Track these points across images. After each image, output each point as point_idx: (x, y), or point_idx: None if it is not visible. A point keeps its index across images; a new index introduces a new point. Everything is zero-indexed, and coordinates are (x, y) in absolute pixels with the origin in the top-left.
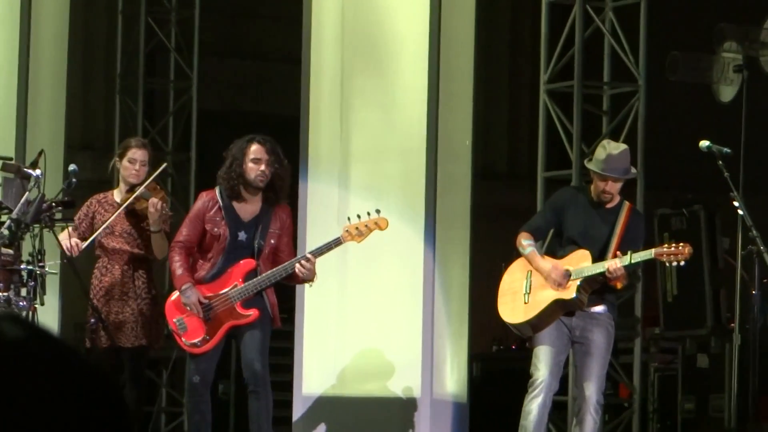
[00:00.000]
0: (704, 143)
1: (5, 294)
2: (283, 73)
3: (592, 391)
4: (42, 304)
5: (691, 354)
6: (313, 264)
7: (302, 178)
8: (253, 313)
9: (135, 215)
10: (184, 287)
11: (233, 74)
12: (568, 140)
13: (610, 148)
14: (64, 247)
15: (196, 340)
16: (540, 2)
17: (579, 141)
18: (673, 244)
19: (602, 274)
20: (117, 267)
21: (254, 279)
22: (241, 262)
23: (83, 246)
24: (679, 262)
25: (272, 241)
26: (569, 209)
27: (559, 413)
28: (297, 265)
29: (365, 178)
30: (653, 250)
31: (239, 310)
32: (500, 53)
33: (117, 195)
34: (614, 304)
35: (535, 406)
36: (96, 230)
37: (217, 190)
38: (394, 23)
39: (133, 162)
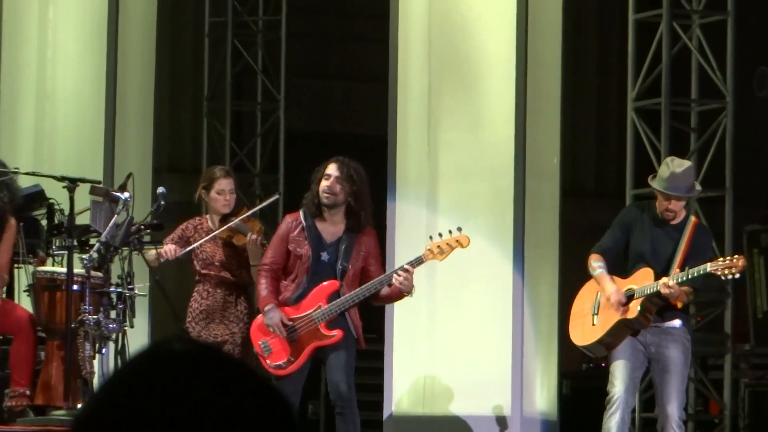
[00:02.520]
0: None
1: (95, 317)
2: (371, 93)
3: (674, 408)
4: (132, 326)
5: None
6: (412, 274)
7: (390, 198)
8: (337, 333)
9: (231, 245)
10: (267, 308)
11: (320, 95)
12: (656, 157)
13: (673, 166)
14: (162, 251)
15: (280, 362)
16: (627, 20)
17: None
18: (728, 258)
19: (658, 293)
20: (219, 292)
21: (338, 299)
22: (325, 283)
23: (180, 254)
24: (733, 275)
25: (357, 263)
26: (636, 226)
27: (651, 429)
28: (395, 275)
29: (453, 197)
30: (708, 265)
31: (323, 330)
32: (587, 71)
33: (210, 223)
34: (690, 318)
35: (614, 423)
36: (192, 252)
37: (301, 212)
38: (481, 43)
39: (221, 193)
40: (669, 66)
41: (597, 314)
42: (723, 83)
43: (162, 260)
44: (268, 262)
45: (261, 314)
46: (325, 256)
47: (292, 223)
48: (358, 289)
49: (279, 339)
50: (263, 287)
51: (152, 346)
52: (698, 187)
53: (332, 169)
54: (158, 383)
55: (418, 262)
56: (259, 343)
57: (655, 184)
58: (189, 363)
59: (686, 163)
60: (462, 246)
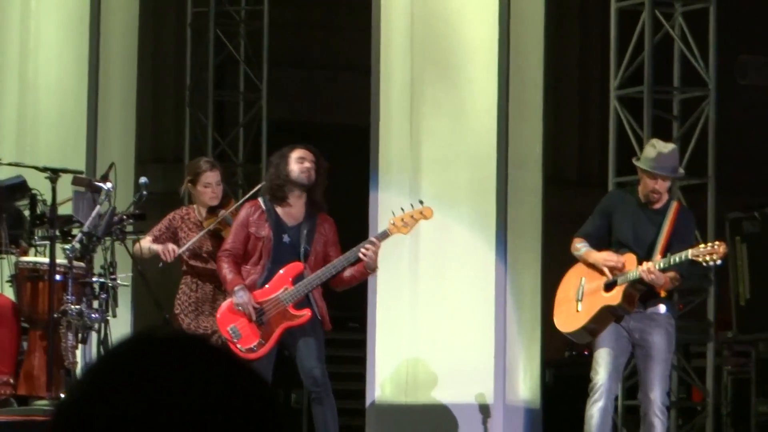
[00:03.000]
0: None
1: (77, 307)
2: (353, 82)
3: (656, 394)
4: (114, 316)
5: (765, 357)
6: (378, 248)
7: (373, 188)
8: (306, 313)
9: (219, 236)
10: (236, 288)
11: (303, 85)
12: (638, 145)
13: (659, 147)
14: (160, 251)
15: (252, 345)
16: (609, 8)
17: None
18: (709, 244)
19: (641, 279)
20: (208, 284)
21: (304, 279)
22: (289, 265)
23: (179, 251)
24: (714, 261)
25: (319, 247)
26: (617, 211)
27: (633, 416)
28: (362, 249)
29: (436, 186)
30: (690, 251)
31: (292, 311)
32: (570, 60)
33: (198, 214)
34: (674, 303)
35: (596, 410)
36: (181, 245)
37: (260, 199)
38: (464, 31)
39: (208, 186)
40: (651, 54)
41: (581, 300)
42: (705, 71)
43: (163, 260)
44: (229, 248)
45: (226, 300)
46: (286, 238)
47: (250, 208)
48: (323, 268)
49: (247, 323)
50: (227, 271)
51: (136, 335)
52: (681, 171)
53: (304, 153)
54: (141, 371)
55: (384, 236)
56: (228, 329)
57: (641, 164)
58: (172, 351)
59: (671, 145)
60: (425, 218)
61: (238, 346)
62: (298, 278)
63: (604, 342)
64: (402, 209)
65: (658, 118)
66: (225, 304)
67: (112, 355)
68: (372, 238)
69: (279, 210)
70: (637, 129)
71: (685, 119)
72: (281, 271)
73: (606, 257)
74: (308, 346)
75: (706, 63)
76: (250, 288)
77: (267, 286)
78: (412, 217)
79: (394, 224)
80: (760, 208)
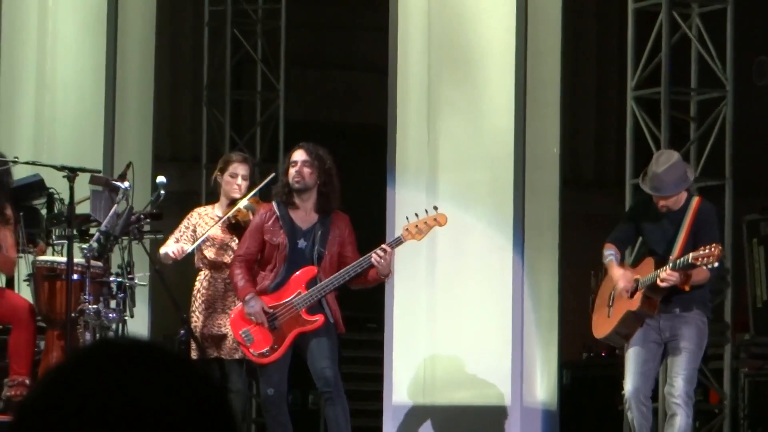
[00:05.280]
0: None
1: (95, 306)
2: (371, 82)
3: (681, 383)
4: (132, 316)
5: None
6: (390, 255)
7: (390, 187)
8: (318, 318)
9: (237, 228)
10: (247, 297)
11: (320, 84)
12: (655, 146)
13: (656, 166)
14: (170, 252)
15: (264, 350)
16: (626, 9)
17: (667, 147)
18: (707, 247)
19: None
20: (220, 280)
21: (318, 284)
22: (302, 270)
23: (188, 250)
24: (712, 264)
25: (333, 248)
26: (643, 217)
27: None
28: (374, 254)
29: (453, 186)
30: (691, 255)
31: (305, 316)
32: (587, 60)
33: (218, 209)
34: (705, 303)
35: (631, 418)
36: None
37: (274, 203)
38: (481, 31)
39: (234, 176)
40: (668, 55)
41: (611, 306)
42: (723, 72)
43: (173, 258)
44: (242, 253)
45: (240, 304)
46: (302, 243)
47: (265, 214)
48: (336, 274)
49: (260, 327)
50: (239, 278)
51: (96, 341)
52: (690, 177)
53: (298, 155)
54: (96, 376)
55: (397, 242)
56: (240, 333)
57: (644, 185)
58: (128, 357)
59: (672, 158)
60: (440, 224)
61: (251, 350)
62: (311, 282)
63: (632, 345)
64: (416, 215)
65: (676, 119)
66: (237, 309)
67: (70, 360)
68: (384, 246)
69: (292, 214)
70: (655, 130)
71: (703, 120)
72: (295, 275)
73: (618, 277)
74: (320, 348)
75: (723, 64)
76: (262, 292)
77: (281, 290)
78: (426, 223)
79: (408, 230)
80: None
